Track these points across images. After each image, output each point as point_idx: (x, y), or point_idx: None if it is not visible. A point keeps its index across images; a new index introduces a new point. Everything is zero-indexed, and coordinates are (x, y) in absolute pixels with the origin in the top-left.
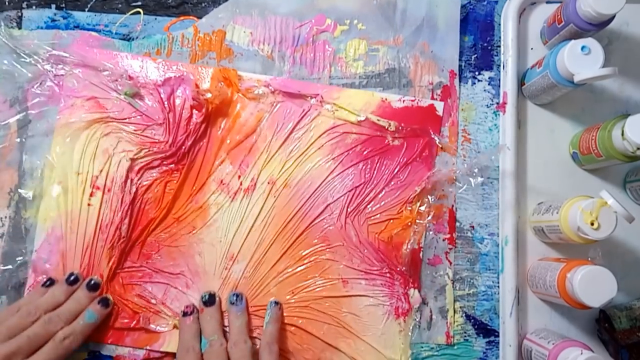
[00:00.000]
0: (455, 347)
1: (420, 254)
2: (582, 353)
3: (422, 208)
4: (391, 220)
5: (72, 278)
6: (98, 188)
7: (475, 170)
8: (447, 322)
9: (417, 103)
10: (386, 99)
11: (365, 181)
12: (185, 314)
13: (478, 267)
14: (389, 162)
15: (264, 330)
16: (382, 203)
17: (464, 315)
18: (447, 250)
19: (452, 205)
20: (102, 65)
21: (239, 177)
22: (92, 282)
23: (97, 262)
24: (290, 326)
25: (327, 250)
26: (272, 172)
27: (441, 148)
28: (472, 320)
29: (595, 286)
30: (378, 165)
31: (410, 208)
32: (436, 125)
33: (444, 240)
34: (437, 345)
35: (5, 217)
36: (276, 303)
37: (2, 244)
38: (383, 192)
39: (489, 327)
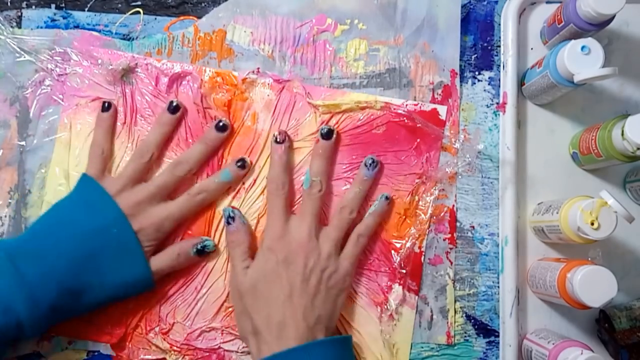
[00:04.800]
0: (456, 347)
1: (422, 258)
2: (582, 353)
3: (423, 217)
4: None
5: (173, 106)
6: None
7: (468, 157)
8: (447, 322)
9: (420, 107)
10: (389, 102)
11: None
12: (277, 142)
13: (478, 267)
14: (387, 150)
15: (363, 220)
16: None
17: (464, 315)
18: (448, 250)
19: (453, 205)
20: (105, 61)
21: (243, 182)
22: (221, 123)
23: None
24: None
25: None
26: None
27: (443, 148)
28: (473, 321)
29: (595, 286)
30: (372, 152)
31: (408, 199)
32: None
33: (444, 240)
34: (438, 345)
35: (5, 216)
36: (387, 198)
37: None
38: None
39: (489, 327)
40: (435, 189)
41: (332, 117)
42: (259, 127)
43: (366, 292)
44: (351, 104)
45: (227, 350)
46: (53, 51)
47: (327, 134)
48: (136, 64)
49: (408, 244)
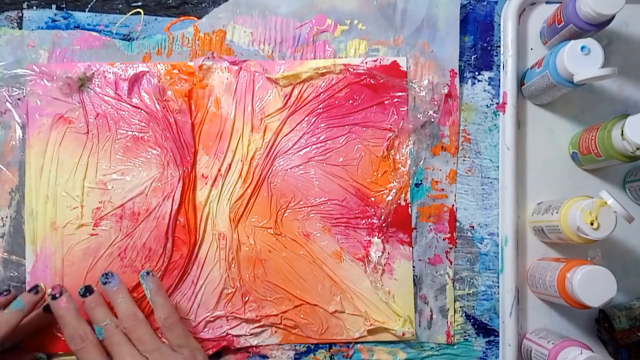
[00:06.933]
0: (455, 346)
1: (409, 210)
2: (581, 353)
3: (403, 169)
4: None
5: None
6: (102, 219)
7: (468, 156)
8: (447, 322)
9: (380, 62)
10: (348, 64)
11: (330, 130)
12: (54, 297)
13: (478, 267)
14: (352, 110)
15: (155, 312)
16: (356, 147)
17: (464, 315)
18: (448, 250)
19: (453, 205)
20: (60, 73)
21: (219, 169)
22: (37, 287)
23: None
24: (289, 297)
25: (297, 206)
26: (243, 151)
27: (442, 147)
28: (472, 320)
29: (595, 286)
30: (339, 115)
31: (385, 153)
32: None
33: (444, 239)
34: (437, 344)
35: (6, 216)
36: (148, 272)
37: (3, 244)
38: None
39: (488, 327)
40: (410, 140)
41: (294, 88)
42: (223, 112)
43: (349, 249)
44: (310, 71)
45: (235, 335)
46: (9, 75)
47: (87, 291)
48: (93, 72)
49: (389, 197)
